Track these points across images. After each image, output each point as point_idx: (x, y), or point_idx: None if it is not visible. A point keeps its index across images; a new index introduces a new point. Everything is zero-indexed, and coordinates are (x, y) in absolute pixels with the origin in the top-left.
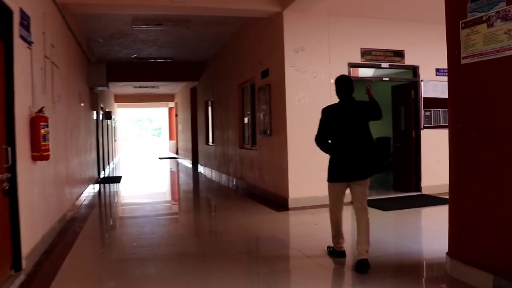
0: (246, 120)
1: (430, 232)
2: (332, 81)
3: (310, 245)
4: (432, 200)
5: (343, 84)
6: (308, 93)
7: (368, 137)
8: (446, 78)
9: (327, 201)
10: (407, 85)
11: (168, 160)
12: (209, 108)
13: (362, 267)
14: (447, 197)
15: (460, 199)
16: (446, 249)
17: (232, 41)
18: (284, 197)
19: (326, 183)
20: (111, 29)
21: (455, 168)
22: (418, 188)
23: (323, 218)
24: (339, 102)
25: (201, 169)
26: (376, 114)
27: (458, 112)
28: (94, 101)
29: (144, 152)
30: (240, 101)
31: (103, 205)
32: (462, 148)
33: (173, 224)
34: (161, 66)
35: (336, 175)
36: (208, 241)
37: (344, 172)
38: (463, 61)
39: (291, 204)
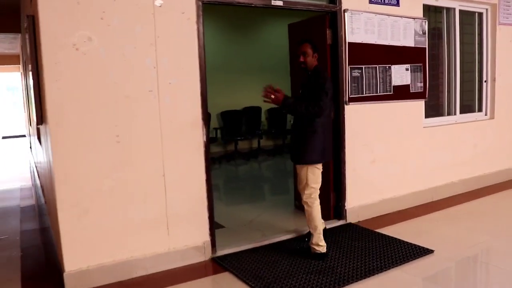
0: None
1: None
2: (160, 3)
3: None
4: (382, 245)
5: None
6: (98, 29)
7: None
8: (389, 8)
9: (153, 270)
10: (318, 19)
11: (17, 139)
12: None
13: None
14: (389, 232)
15: None
16: None
17: None
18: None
19: (146, 230)
20: None
21: None
22: (339, 212)
23: None
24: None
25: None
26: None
27: None
28: None
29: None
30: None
31: None
32: None
33: None
34: None
35: (324, 153)
36: None
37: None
38: None
39: (70, 285)
